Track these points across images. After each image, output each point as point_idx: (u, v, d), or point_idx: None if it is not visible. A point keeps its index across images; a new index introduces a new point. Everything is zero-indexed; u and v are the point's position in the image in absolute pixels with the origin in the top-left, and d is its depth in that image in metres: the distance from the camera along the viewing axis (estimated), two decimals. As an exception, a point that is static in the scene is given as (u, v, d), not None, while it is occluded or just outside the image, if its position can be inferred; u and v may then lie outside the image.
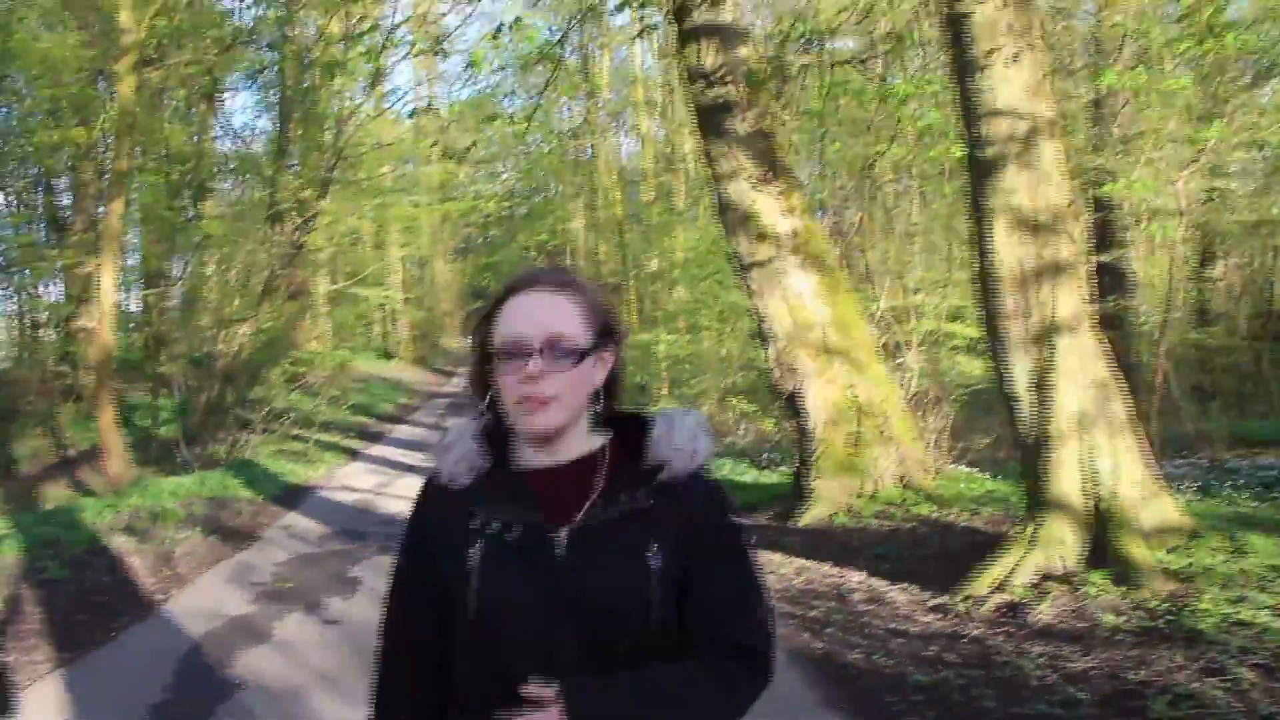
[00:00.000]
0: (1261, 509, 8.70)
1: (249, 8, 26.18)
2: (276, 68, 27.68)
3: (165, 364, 21.89)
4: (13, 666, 6.43)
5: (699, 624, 1.91)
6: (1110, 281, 16.90)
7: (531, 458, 1.97)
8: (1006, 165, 7.07)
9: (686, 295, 25.88)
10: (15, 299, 30.62)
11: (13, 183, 28.27)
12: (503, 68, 19.11)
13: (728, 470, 14.33)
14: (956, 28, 7.34)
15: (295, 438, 19.86)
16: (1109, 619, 6.31)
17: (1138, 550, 6.82)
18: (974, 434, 13.18)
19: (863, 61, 11.92)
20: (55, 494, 17.50)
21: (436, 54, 13.28)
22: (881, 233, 16.90)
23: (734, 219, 11.05)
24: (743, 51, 11.10)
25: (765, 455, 15.50)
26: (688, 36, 11.21)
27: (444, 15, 16.86)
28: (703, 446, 1.96)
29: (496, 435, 2.00)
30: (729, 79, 10.93)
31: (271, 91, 28.80)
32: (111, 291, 16.54)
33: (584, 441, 1.99)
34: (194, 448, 18.48)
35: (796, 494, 11.06)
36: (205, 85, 26.06)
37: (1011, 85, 7.10)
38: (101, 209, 27.06)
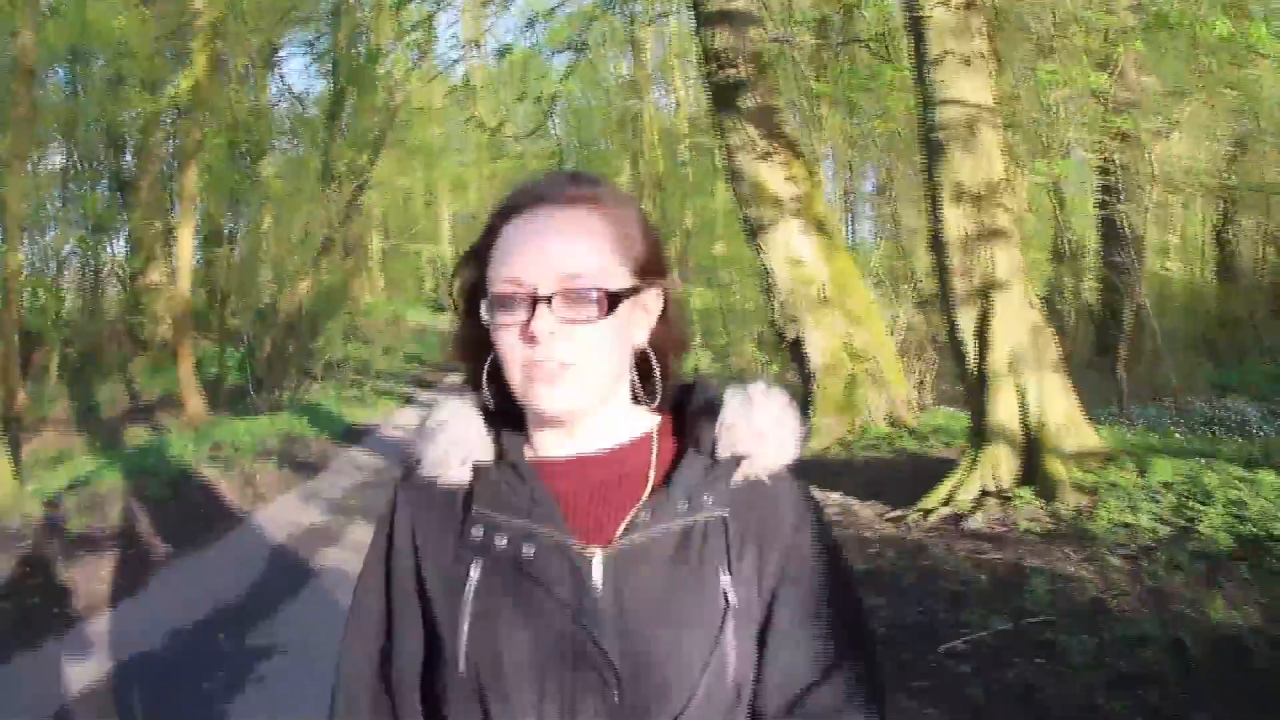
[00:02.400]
0: (1185, 441, 9.98)
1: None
2: (330, 35, 29.06)
3: (232, 317, 23.52)
4: (138, 556, 8.04)
5: (778, 688, 1.40)
6: (1115, 240, 18.11)
7: (551, 446, 1.47)
8: (953, 147, 8.39)
9: (724, 250, 27.17)
10: (82, 256, 32.45)
11: (84, 149, 29.95)
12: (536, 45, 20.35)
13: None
14: (917, 28, 8.67)
15: (354, 384, 21.46)
16: (1025, 524, 7.68)
17: (1058, 470, 8.16)
18: (957, 378, 14.53)
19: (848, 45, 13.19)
20: (135, 435, 19.19)
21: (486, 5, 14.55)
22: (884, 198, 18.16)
23: (743, 186, 12.41)
24: (752, 35, 12.41)
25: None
26: (703, 20, 12.57)
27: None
28: (793, 434, 1.46)
29: (501, 415, 1.48)
30: (738, 60, 12.25)
31: (326, 58, 30.23)
32: (189, 249, 18.09)
33: (625, 423, 1.48)
34: (261, 394, 20.14)
35: (799, 429, 12.47)
36: (264, 53, 27.54)
37: (959, 79, 8.42)
38: (169, 172, 28.79)
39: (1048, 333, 8.69)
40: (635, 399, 1.49)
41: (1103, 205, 18.65)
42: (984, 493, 8.41)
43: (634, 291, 1.41)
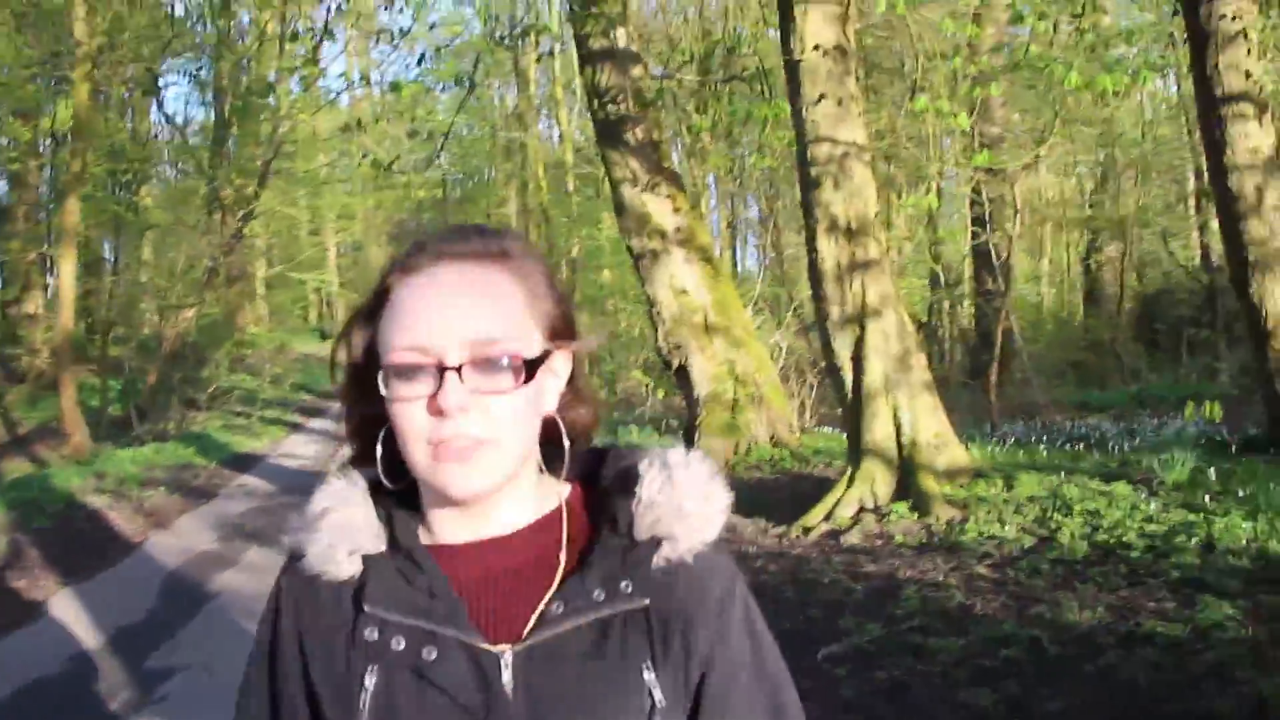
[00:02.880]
0: (1049, 457, 10.56)
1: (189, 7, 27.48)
2: (212, 65, 28.92)
3: (113, 347, 23.24)
4: (30, 586, 8.09)
5: None
6: (987, 267, 18.94)
7: (450, 530, 1.30)
8: (826, 182, 8.86)
9: (610, 279, 27.62)
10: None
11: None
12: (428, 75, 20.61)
13: (634, 436, 16.07)
14: (791, 71, 9.14)
15: (240, 413, 21.38)
16: (900, 538, 8.13)
17: (930, 486, 8.64)
18: (836, 401, 15.13)
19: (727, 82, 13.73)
20: (14, 467, 18.87)
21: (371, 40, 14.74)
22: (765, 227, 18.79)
23: (628, 218, 12.80)
24: (635, 73, 12.83)
25: (665, 422, 17.33)
26: (586, 59, 12.96)
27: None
28: (719, 510, 1.30)
29: (388, 494, 1.31)
30: (622, 97, 12.65)
31: (208, 87, 30.05)
32: (70, 279, 17.90)
33: (532, 500, 1.32)
34: (145, 424, 19.95)
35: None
36: (145, 83, 27.28)
37: (832, 119, 8.90)
38: (44, 200, 28.32)
39: (919, 356, 9.20)
40: (540, 470, 1.33)
41: (974, 235, 19.52)
42: (861, 509, 8.85)
43: (545, 356, 1.25)
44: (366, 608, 1.24)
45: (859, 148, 8.91)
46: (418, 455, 1.20)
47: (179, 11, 27.20)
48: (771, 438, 12.59)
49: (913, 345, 9.16)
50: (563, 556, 1.28)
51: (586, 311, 27.68)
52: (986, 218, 16.81)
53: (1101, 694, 4.91)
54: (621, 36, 12.86)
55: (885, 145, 17.87)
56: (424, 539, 1.29)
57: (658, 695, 1.22)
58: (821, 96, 8.86)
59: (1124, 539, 7.11)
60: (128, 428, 19.77)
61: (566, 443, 1.31)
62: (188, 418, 20.34)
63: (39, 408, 23.76)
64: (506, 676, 1.20)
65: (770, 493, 10.52)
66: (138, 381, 22.32)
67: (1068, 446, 11.46)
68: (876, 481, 8.89)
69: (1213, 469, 8.59)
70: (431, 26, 12.20)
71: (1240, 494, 7.68)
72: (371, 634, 1.22)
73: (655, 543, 1.25)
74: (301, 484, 13.20)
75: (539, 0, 12.48)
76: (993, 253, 16.82)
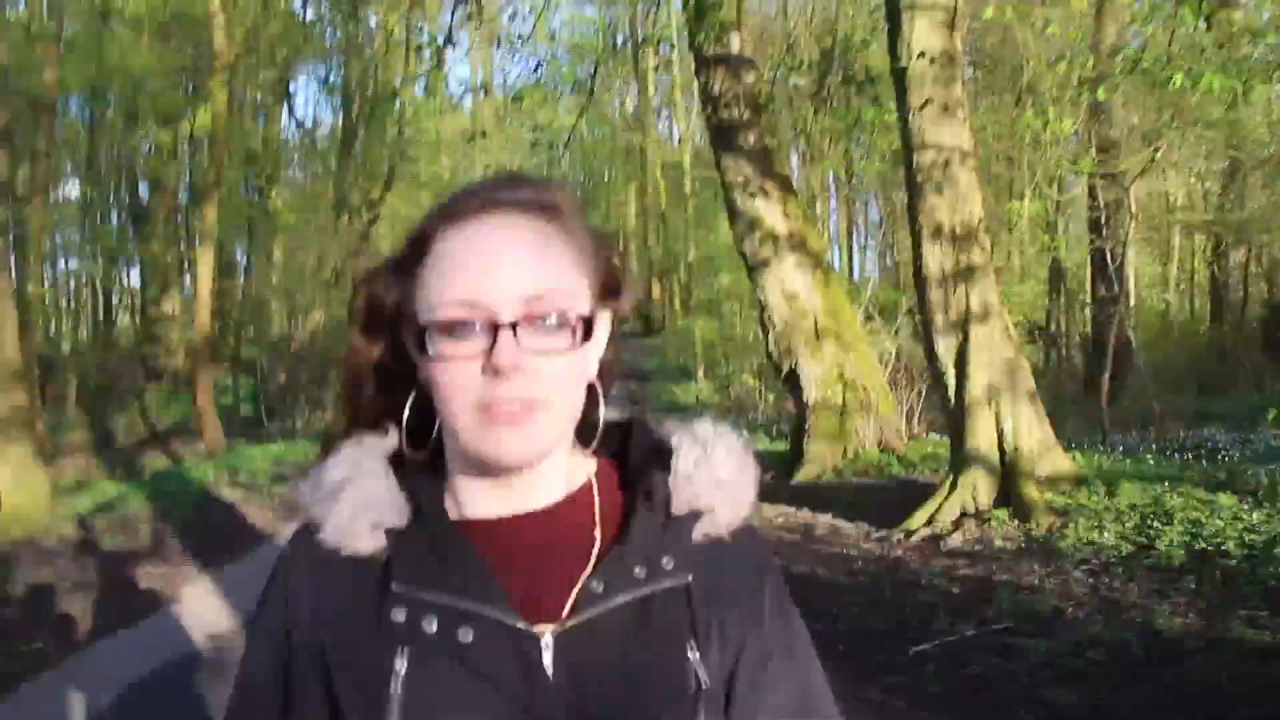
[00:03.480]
0: (1155, 466, 10.50)
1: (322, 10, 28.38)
2: (340, 69, 29.80)
3: (245, 347, 24.15)
4: (170, 572, 8.62)
5: None
6: (1104, 273, 18.71)
7: (480, 504, 1.22)
8: (931, 188, 8.98)
9: (727, 283, 27.80)
10: (90, 286, 33.18)
11: (100, 182, 30.75)
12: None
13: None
14: (898, 78, 9.27)
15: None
16: (999, 542, 8.23)
17: (1032, 493, 8.71)
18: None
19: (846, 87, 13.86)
20: (153, 462, 19.78)
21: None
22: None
23: (742, 223, 13.02)
24: (748, 79, 13.04)
25: (775, 427, 17.49)
26: (701, 65, 13.22)
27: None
28: (753, 482, 1.26)
29: (410, 466, 1.23)
30: (735, 102, 12.87)
31: (336, 91, 30.95)
32: (208, 281, 18.69)
33: (564, 474, 1.24)
34: (273, 422, 20.73)
35: (795, 456, 13.03)
36: (277, 88, 28.25)
37: (938, 125, 9.02)
38: (182, 204, 29.47)
39: (1023, 363, 9.26)
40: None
41: (1091, 240, 19.30)
42: (963, 514, 8.94)
43: (595, 316, 1.18)
44: (394, 586, 1.14)
45: (964, 153, 9.01)
46: (464, 419, 1.12)
47: (308, 16, 28.15)
48: (879, 443, 12.70)
49: (1016, 352, 9.21)
50: (598, 532, 1.20)
51: (701, 314, 27.92)
52: (1103, 222, 16.65)
53: (1182, 697, 5.01)
54: (735, 42, 13.09)
55: (1002, 148, 17.83)
56: (451, 513, 1.21)
57: (703, 676, 1.16)
58: (927, 102, 8.98)
59: (1222, 547, 7.13)
60: (258, 425, 20.57)
61: (604, 411, 1.25)
62: (315, 416, 21.06)
63: (174, 405, 24.85)
64: (548, 659, 1.13)
65: (875, 497, 10.65)
66: (268, 381, 23.15)
67: (1177, 456, 11.35)
68: (978, 487, 8.97)
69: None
70: (552, 37, 12.54)
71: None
72: (399, 615, 1.13)
73: (693, 517, 1.21)
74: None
75: (657, 8, 12.77)
76: (1107, 258, 16.64)
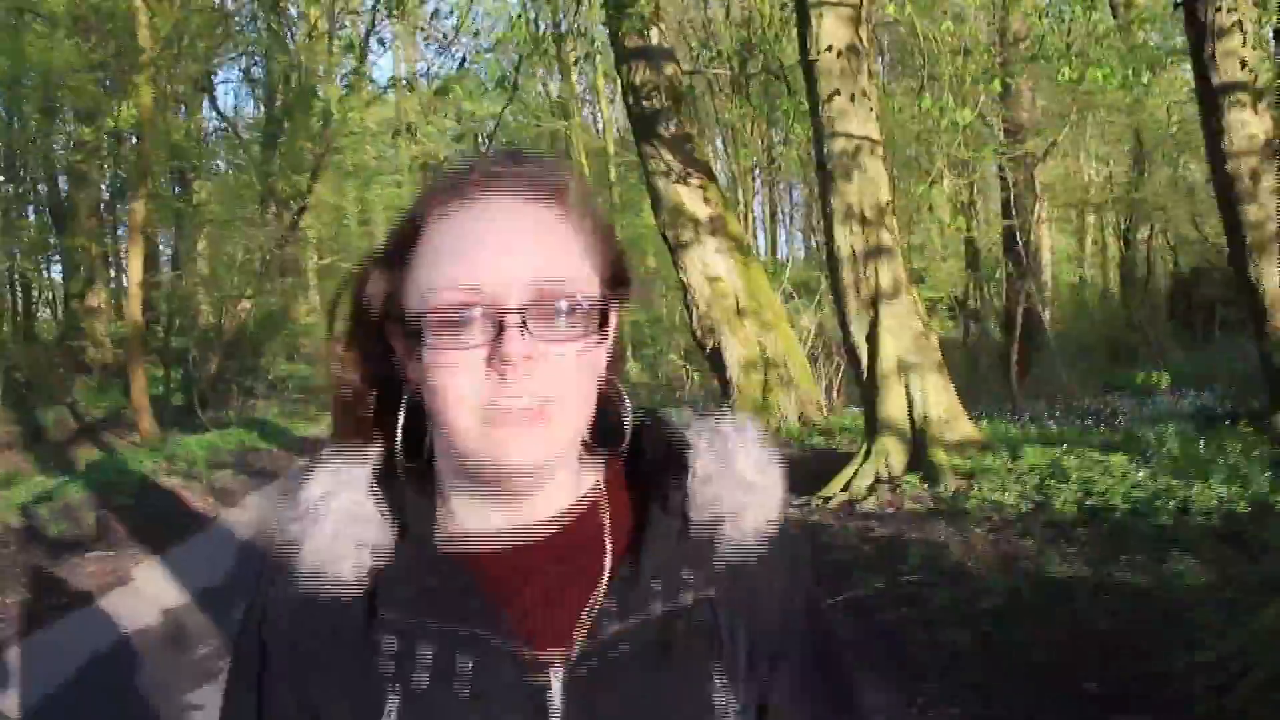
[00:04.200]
0: (1057, 432, 11.14)
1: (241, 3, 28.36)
2: (264, 62, 29.81)
3: (175, 338, 24.22)
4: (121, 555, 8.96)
5: None
6: (1020, 252, 19.48)
7: (476, 518, 1.12)
8: (841, 174, 9.51)
9: (655, 265, 28.24)
10: (9, 281, 33.00)
11: (16, 177, 30.58)
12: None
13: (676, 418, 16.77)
14: (807, 70, 9.79)
15: (297, 400, 22.30)
16: (909, 505, 8.79)
17: (940, 458, 9.28)
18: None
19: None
20: (86, 454, 19.83)
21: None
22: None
23: (663, 209, 13.49)
24: (668, 70, 13.51)
25: (702, 404, 18.03)
26: (622, 57, 13.65)
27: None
28: (779, 482, 1.16)
29: (399, 480, 1.12)
30: (656, 93, 13.33)
31: (259, 84, 30.95)
32: (139, 273, 18.82)
33: (571, 480, 1.14)
34: (206, 412, 20.89)
35: (719, 433, 13.57)
36: (201, 81, 28.21)
37: (845, 115, 9.54)
38: (104, 198, 29.37)
39: (931, 338, 9.83)
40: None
41: (1004, 219, 20.07)
42: (877, 480, 9.49)
43: (610, 307, 1.09)
44: (383, 612, 1.05)
45: (871, 142, 9.54)
46: (464, 421, 1.01)
47: (229, 6, 28.11)
48: (800, 417, 13.25)
49: (924, 328, 9.78)
50: (609, 546, 1.10)
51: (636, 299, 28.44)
52: (1010, 203, 17.38)
53: (1068, 634, 5.56)
54: (655, 35, 13.53)
55: (916, 131, 18.48)
56: (445, 531, 1.11)
57: (731, 701, 1.07)
58: (835, 94, 9.49)
59: (1111, 502, 7.74)
60: (191, 415, 20.70)
61: (627, 409, 1.15)
62: (247, 405, 21.27)
63: (104, 398, 24.85)
64: (558, 690, 1.03)
65: (796, 468, 11.08)
66: (199, 371, 23.25)
67: (1080, 422, 12.02)
68: (890, 455, 9.53)
69: (1203, 440, 9.16)
70: (475, 34, 12.94)
71: (1224, 462, 8.27)
72: (391, 643, 1.04)
73: (715, 523, 1.10)
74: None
75: (578, 3, 13.18)
76: (1016, 236, 17.38)
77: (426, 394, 1.05)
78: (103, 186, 29.59)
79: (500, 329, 1.00)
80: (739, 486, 1.11)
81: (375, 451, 1.12)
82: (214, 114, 31.09)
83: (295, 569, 1.06)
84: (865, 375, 9.74)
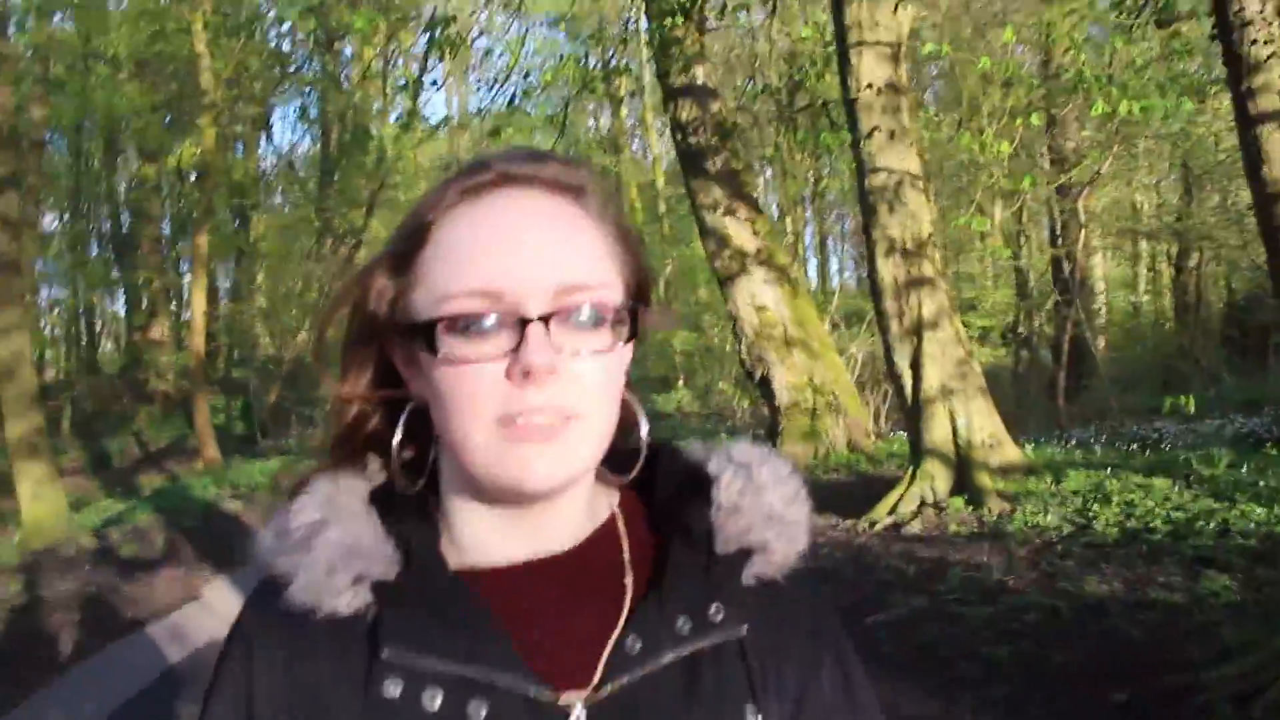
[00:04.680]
0: (1101, 455, 11.28)
1: (297, 44, 29.08)
2: (319, 101, 30.46)
3: (235, 370, 24.84)
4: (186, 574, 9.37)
5: None
6: (1068, 280, 19.61)
7: (488, 546, 1.05)
8: (882, 207, 9.76)
9: (706, 296, 28.59)
10: (76, 314, 33.87)
11: (82, 213, 31.48)
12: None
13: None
14: (849, 108, 10.07)
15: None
16: (954, 528, 8.98)
17: (984, 482, 9.47)
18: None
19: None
20: (149, 481, 20.42)
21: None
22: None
23: (712, 241, 13.80)
24: (714, 107, 13.84)
25: (752, 431, 18.28)
26: (669, 95, 14.02)
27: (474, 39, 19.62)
28: (806, 514, 1.10)
29: (396, 503, 1.05)
30: (703, 129, 13.67)
31: (315, 122, 31.60)
32: (202, 307, 19.39)
33: (585, 506, 1.08)
34: (266, 440, 21.41)
35: (769, 459, 13.82)
36: (258, 120, 28.94)
37: (886, 150, 9.80)
38: (166, 234, 30.15)
39: (974, 364, 10.03)
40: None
41: (1054, 247, 20.21)
42: (922, 503, 9.69)
43: (632, 316, 1.01)
44: (386, 653, 0.97)
45: (912, 176, 9.79)
46: (480, 435, 0.95)
47: (285, 48, 28.83)
48: (848, 443, 13.47)
49: (967, 354, 9.99)
50: (629, 578, 1.05)
51: (681, 326, 28.76)
52: (1056, 232, 17.55)
53: (1102, 649, 5.76)
54: (700, 74, 13.88)
55: (966, 162, 18.69)
56: (451, 560, 1.03)
57: None
58: (875, 129, 9.76)
59: (1150, 525, 7.91)
60: (252, 444, 21.23)
61: (645, 430, 1.09)
62: (307, 434, 21.74)
63: (166, 427, 25.50)
64: None
65: (845, 492, 11.38)
66: (259, 401, 23.80)
67: (1126, 447, 12.14)
68: (936, 479, 9.73)
69: (1246, 464, 9.29)
70: (526, 74, 13.35)
71: (1265, 485, 8.42)
72: (394, 688, 0.96)
73: (742, 556, 1.05)
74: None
75: (625, 44, 13.64)
76: (1062, 264, 17.54)
77: (436, 407, 0.99)
78: (163, 223, 30.38)
79: (521, 337, 0.93)
80: (766, 518, 1.05)
81: (372, 474, 1.06)
82: (270, 150, 31.80)
83: (286, 603, 0.98)
84: (910, 402, 9.95)
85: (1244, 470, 9.12)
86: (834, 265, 36.67)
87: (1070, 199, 15.91)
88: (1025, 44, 13.71)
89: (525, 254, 0.95)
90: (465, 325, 0.94)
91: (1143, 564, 7.18)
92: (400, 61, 26.03)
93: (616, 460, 1.08)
